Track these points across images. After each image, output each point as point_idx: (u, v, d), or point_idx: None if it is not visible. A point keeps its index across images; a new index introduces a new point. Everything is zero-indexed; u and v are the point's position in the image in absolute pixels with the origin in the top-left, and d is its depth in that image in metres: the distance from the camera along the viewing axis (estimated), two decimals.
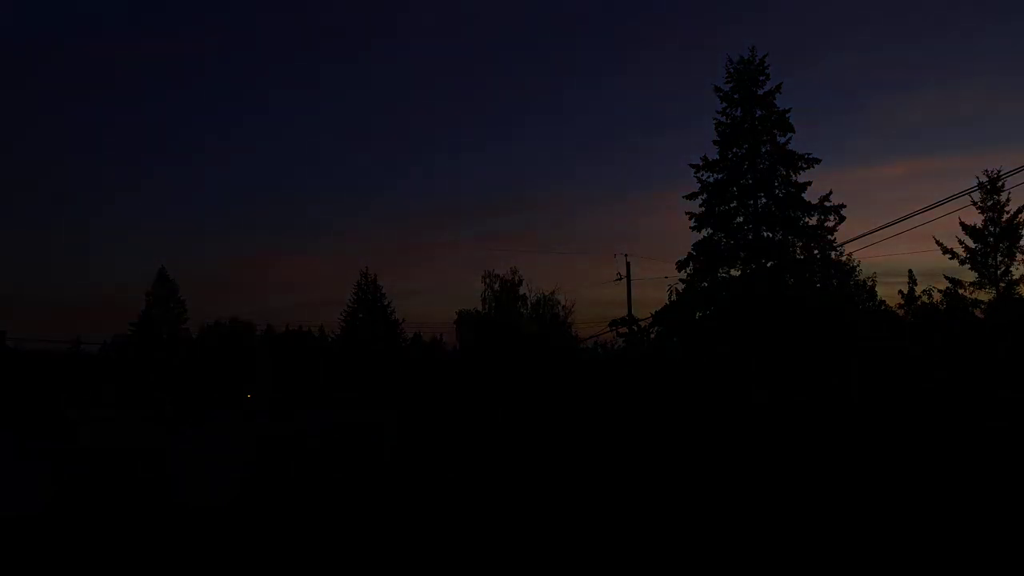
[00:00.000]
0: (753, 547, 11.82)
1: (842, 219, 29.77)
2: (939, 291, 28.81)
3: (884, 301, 31.22)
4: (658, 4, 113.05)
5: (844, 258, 30.50)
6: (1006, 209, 27.51)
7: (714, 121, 31.15)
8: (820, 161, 30.26)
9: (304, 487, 20.60)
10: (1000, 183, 27.31)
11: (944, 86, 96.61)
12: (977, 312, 28.00)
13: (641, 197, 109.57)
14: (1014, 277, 27.40)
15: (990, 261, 27.59)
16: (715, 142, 31.11)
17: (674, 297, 32.81)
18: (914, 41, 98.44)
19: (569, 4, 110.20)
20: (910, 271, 30.50)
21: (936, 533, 12.25)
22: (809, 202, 30.08)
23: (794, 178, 30.28)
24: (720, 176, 31.06)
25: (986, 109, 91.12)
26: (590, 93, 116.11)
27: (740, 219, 30.84)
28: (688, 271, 31.23)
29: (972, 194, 27.31)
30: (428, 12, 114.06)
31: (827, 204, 29.79)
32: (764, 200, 30.59)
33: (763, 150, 30.49)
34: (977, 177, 27.72)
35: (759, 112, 30.58)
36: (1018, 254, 27.39)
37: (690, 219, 31.28)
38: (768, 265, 30.36)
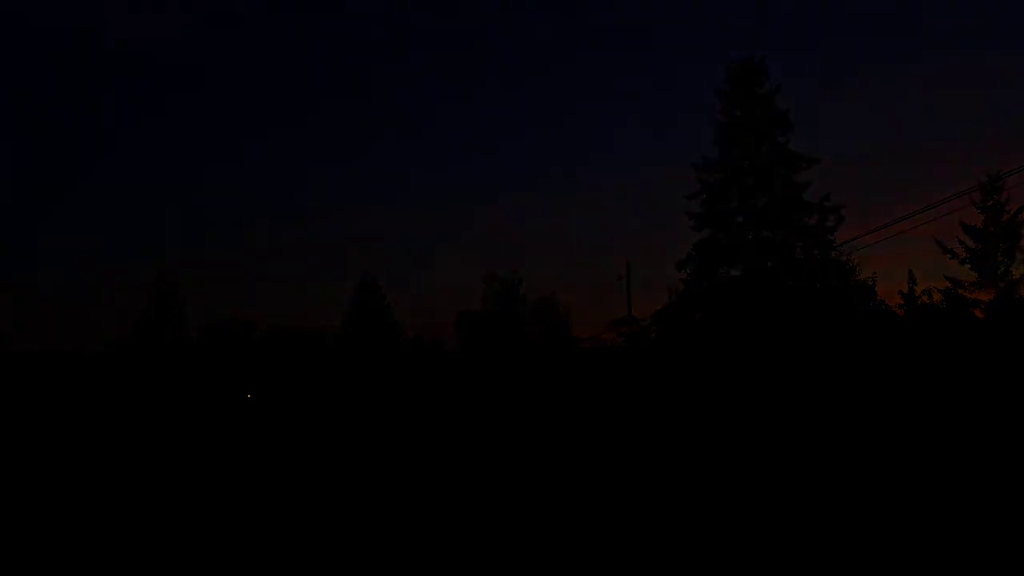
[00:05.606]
0: (748, 547, 11.83)
1: (842, 219, 29.73)
2: (939, 291, 28.87)
3: (884, 301, 31.24)
4: (658, 3, 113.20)
5: (844, 258, 30.49)
6: (1006, 209, 27.54)
7: (715, 121, 31.23)
8: (819, 161, 30.27)
9: (301, 485, 20.60)
10: (1000, 183, 27.36)
11: (944, 84, 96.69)
12: (977, 312, 28.01)
13: (641, 197, 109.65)
14: (1014, 277, 27.43)
15: (990, 261, 27.61)
16: (715, 142, 31.14)
17: (674, 297, 32.85)
18: (914, 37, 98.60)
19: (568, 3, 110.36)
20: (910, 271, 30.58)
21: (934, 531, 12.26)
22: (809, 202, 30.04)
23: (794, 178, 30.28)
24: (720, 176, 31.05)
25: (987, 108, 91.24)
26: (589, 93, 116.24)
27: (740, 219, 30.82)
28: (688, 271, 31.23)
29: (972, 194, 27.40)
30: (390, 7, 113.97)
31: (827, 204, 29.77)
32: (764, 200, 30.57)
33: (763, 150, 30.46)
34: (977, 177, 27.79)
35: (759, 112, 30.57)
36: (1018, 254, 27.42)
37: (690, 219, 31.29)
38: (768, 265, 30.34)
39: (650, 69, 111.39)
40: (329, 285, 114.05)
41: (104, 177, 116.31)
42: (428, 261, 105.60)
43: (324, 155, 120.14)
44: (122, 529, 15.10)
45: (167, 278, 60.55)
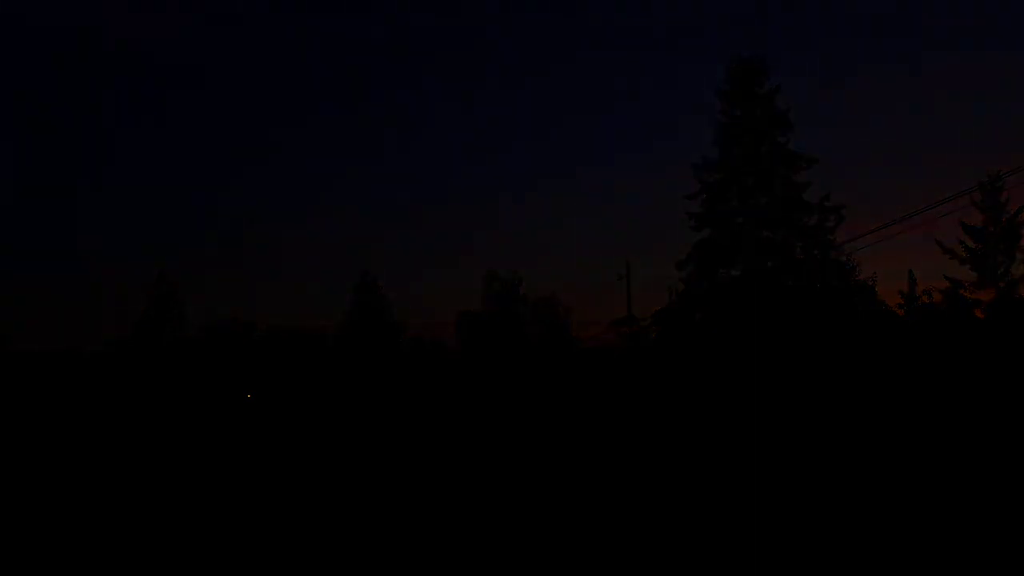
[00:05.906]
0: (749, 547, 11.84)
1: (842, 219, 29.75)
2: (939, 291, 28.90)
3: (884, 301, 31.26)
4: (658, 3, 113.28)
5: (844, 258, 30.51)
6: (1006, 209, 27.58)
7: (715, 121, 31.24)
8: (819, 161, 30.31)
9: (301, 486, 20.61)
10: (1000, 183, 27.39)
11: (944, 84, 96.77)
12: (977, 312, 28.04)
13: (641, 197, 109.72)
14: (1014, 277, 27.45)
15: (990, 261, 27.63)
16: (715, 142, 31.15)
17: (674, 297, 32.87)
18: (914, 37, 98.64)
19: (568, 3, 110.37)
20: (910, 271, 30.67)
21: (934, 530, 12.27)
22: (809, 202, 30.05)
23: (794, 178, 30.28)
24: (720, 176, 31.06)
25: (987, 108, 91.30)
26: (589, 93, 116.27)
27: (740, 219, 30.83)
28: (688, 271, 31.24)
29: (972, 194, 27.45)
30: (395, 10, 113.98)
31: (827, 204, 29.77)
32: (764, 200, 30.57)
33: (763, 150, 30.46)
34: (977, 177, 27.87)
35: (759, 112, 30.57)
36: (1018, 254, 27.45)
37: (690, 219, 31.30)
38: (768, 265, 30.35)
39: (650, 69, 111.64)
40: (329, 285, 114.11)
41: (104, 177, 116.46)
42: (428, 261, 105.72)
43: (324, 155, 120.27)
44: (122, 529, 15.11)
45: (167, 278, 60.70)
